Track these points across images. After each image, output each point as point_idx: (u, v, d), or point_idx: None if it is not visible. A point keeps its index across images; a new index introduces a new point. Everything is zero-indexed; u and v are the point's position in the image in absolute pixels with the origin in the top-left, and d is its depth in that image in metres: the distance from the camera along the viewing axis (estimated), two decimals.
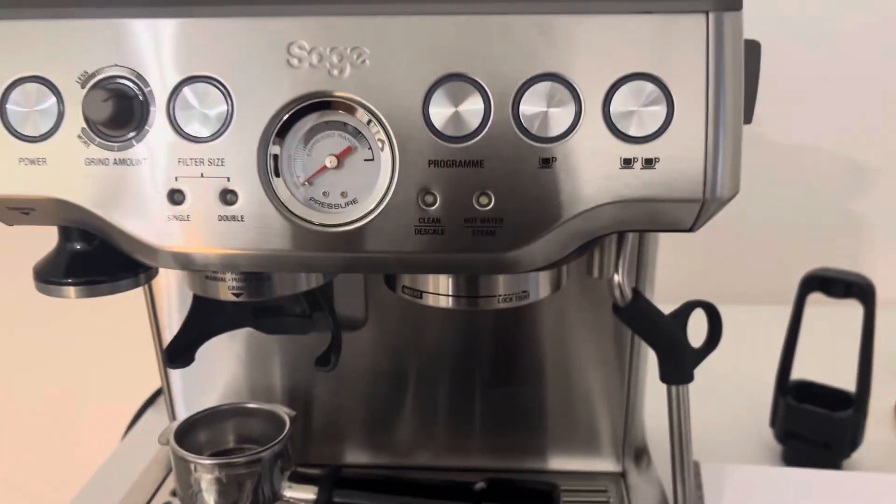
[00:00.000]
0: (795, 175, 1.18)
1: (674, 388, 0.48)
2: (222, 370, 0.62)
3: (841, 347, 0.72)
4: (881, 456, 0.74)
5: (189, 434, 0.54)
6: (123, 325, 1.20)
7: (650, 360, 0.60)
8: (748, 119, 0.39)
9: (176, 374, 0.62)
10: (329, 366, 0.48)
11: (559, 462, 0.62)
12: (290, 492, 0.51)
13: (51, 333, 1.24)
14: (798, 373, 0.73)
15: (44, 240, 0.46)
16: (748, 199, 1.15)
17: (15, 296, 1.19)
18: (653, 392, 0.63)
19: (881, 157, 1.19)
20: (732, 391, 0.81)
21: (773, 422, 0.75)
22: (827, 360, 0.74)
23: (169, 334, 0.60)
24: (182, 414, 0.64)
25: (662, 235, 0.57)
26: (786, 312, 0.73)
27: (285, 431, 0.52)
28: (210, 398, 0.62)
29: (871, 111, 1.15)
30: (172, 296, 0.60)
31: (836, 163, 1.19)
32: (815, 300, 0.72)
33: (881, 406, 0.80)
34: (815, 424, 0.70)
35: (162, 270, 0.49)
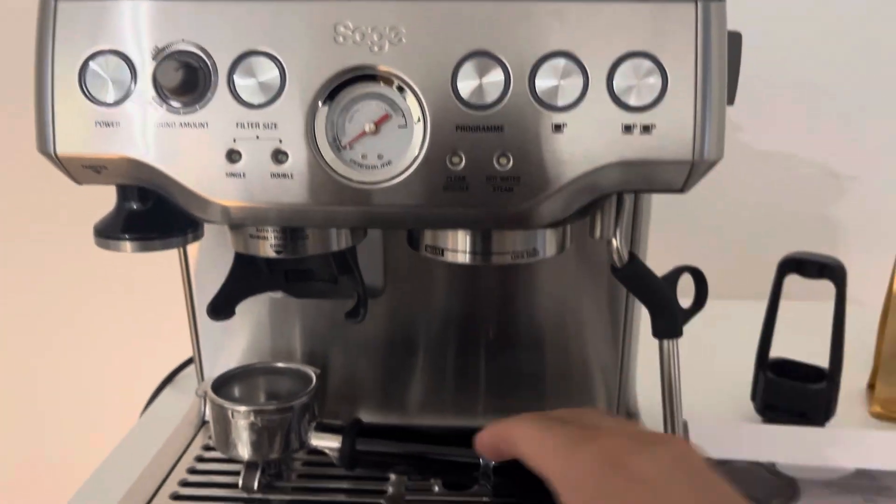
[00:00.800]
0: (770, 180, 1.25)
1: (665, 343, 0.53)
2: (246, 337, 0.67)
3: (815, 335, 0.78)
4: (853, 426, 0.80)
5: (223, 388, 0.58)
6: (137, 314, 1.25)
7: (643, 331, 0.66)
8: (730, 101, 0.45)
9: (205, 339, 0.67)
10: (359, 317, 0.53)
11: None
12: (317, 440, 0.56)
13: (69, 324, 1.28)
14: (776, 354, 0.80)
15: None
16: (723, 202, 1.22)
17: (33, 283, 1.24)
18: (641, 363, 0.68)
19: (857, 164, 1.25)
20: (715, 374, 0.87)
21: (754, 395, 0.80)
22: (802, 343, 0.80)
23: (199, 301, 0.65)
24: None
25: (652, 224, 0.63)
26: (762, 307, 0.79)
27: (313, 385, 0.57)
28: (234, 362, 0.67)
29: (848, 117, 1.21)
30: (203, 265, 0.65)
31: (811, 168, 1.26)
32: (794, 293, 0.78)
33: (854, 386, 0.86)
34: (793, 396, 0.76)
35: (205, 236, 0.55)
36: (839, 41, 1.15)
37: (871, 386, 0.88)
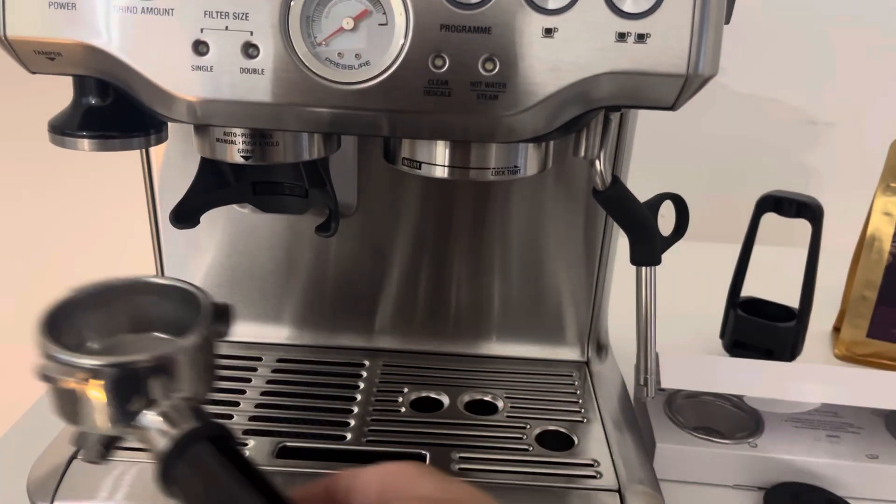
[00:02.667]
0: (747, 124, 1.24)
1: (644, 270, 0.52)
2: (211, 254, 0.65)
3: (786, 278, 0.78)
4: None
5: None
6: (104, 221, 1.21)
7: (617, 260, 0.65)
8: (727, 20, 0.43)
9: (169, 256, 0.65)
10: (330, 232, 0.51)
11: (527, 349, 0.67)
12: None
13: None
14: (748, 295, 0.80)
15: None
16: (698, 144, 1.21)
17: None
18: (613, 295, 0.68)
19: (834, 112, 1.25)
20: (685, 312, 0.87)
21: (723, 333, 0.81)
22: (773, 286, 0.80)
23: (162, 211, 0.63)
24: None
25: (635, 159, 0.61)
26: (734, 249, 0.79)
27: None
28: (198, 281, 0.65)
29: (829, 66, 1.20)
30: (168, 177, 0.62)
31: (790, 114, 1.25)
32: (769, 238, 0.78)
33: (819, 329, 0.87)
34: (761, 334, 0.77)
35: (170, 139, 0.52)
36: None
37: (837, 329, 0.89)
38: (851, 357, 0.83)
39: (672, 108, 0.42)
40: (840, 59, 1.19)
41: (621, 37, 0.39)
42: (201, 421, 0.35)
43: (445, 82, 0.40)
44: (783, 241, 0.91)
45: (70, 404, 0.37)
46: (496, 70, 0.40)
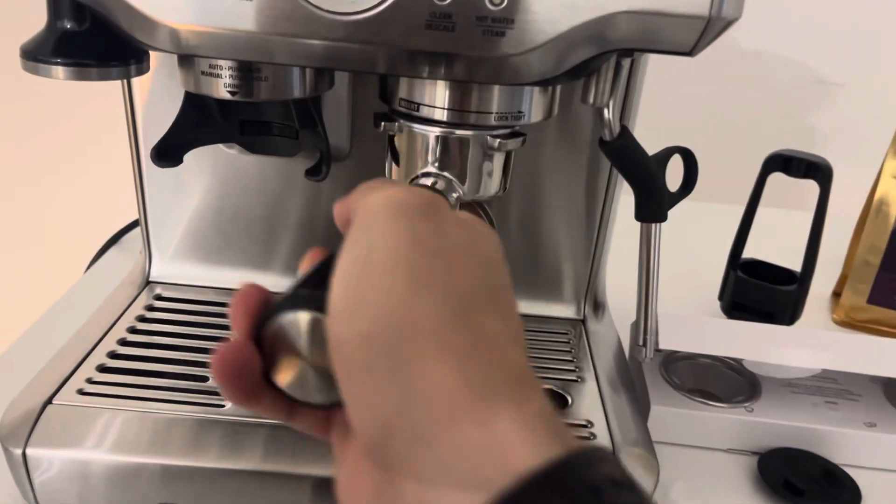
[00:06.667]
0: (759, 83, 1.21)
1: (648, 227, 0.50)
2: (196, 198, 0.62)
3: (787, 241, 0.76)
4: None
5: None
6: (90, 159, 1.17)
7: (618, 219, 0.63)
8: None
9: (152, 199, 0.62)
10: (320, 175, 0.49)
11: (522, 305, 0.65)
12: None
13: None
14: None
15: None
16: (703, 103, 1.18)
17: None
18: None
19: (844, 73, 1.22)
20: (684, 273, 0.85)
21: (722, 295, 0.79)
22: (774, 248, 0.78)
23: (145, 150, 0.60)
24: (159, 244, 0.64)
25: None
26: (736, 211, 0.77)
27: None
28: (183, 224, 0.63)
29: (840, 25, 1.17)
30: (152, 108, 0.59)
31: (800, 73, 1.22)
32: (771, 200, 0.75)
33: (818, 293, 0.85)
34: (761, 296, 0.75)
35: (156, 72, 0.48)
36: None
37: (836, 294, 0.87)
38: (850, 322, 0.82)
39: (690, 53, 0.39)
40: (852, 18, 1.16)
41: None
42: None
43: (449, 16, 0.37)
44: (784, 203, 0.89)
45: None
46: (504, 4, 0.37)
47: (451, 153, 0.45)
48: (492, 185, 0.47)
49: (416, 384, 0.24)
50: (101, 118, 1.04)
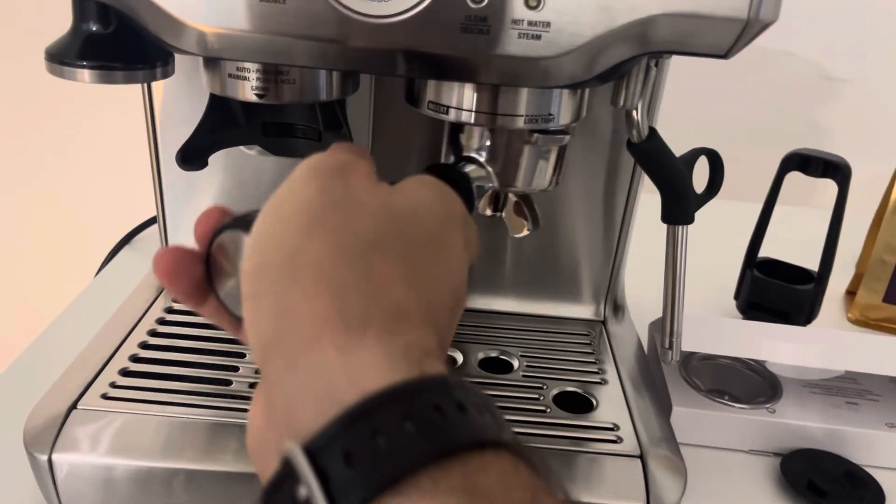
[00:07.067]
0: (765, 80, 1.20)
1: (675, 230, 0.49)
2: (213, 197, 0.62)
3: (803, 239, 0.76)
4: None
5: None
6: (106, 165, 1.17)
7: (637, 222, 0.62)
8: None
9: (170, 198, 0.61)
10: None
11: (542, 307, 0.65)
12: None
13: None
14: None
15: None
16: (715, 102, 1.17)
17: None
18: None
19: (852, 69, 1.21)
20: (700, 271, 0.85)
21: (738, 294, 0.79)
22: (791, 247, 0.78)
23: (164, 150, 0.59)
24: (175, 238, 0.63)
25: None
26: (750, 209, 0.76)
27: None
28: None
29: (848, 23, 1.16)
30: (168, 115, 0.58)
31: (806, 69, 1.21)
32: (786, 199, 0.75)
33: (834, 292, 0.85)
34: (777, 296, 0.75)
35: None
36: None
37: (851, 292, 0.87)
38: (865, 321, 0.82)
39: (725, 56, 0.39)
40: (863, 13, 1.15)
41: None
42: None
43: (484, 19, 0.36)
44: (799, 201, 0.88)
45: None
46: (541, 7, 0.36)
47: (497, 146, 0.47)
48: (543, 180, 0.49)
49: (292, 311, 0.26)
50: (110, 119, 1.03)
